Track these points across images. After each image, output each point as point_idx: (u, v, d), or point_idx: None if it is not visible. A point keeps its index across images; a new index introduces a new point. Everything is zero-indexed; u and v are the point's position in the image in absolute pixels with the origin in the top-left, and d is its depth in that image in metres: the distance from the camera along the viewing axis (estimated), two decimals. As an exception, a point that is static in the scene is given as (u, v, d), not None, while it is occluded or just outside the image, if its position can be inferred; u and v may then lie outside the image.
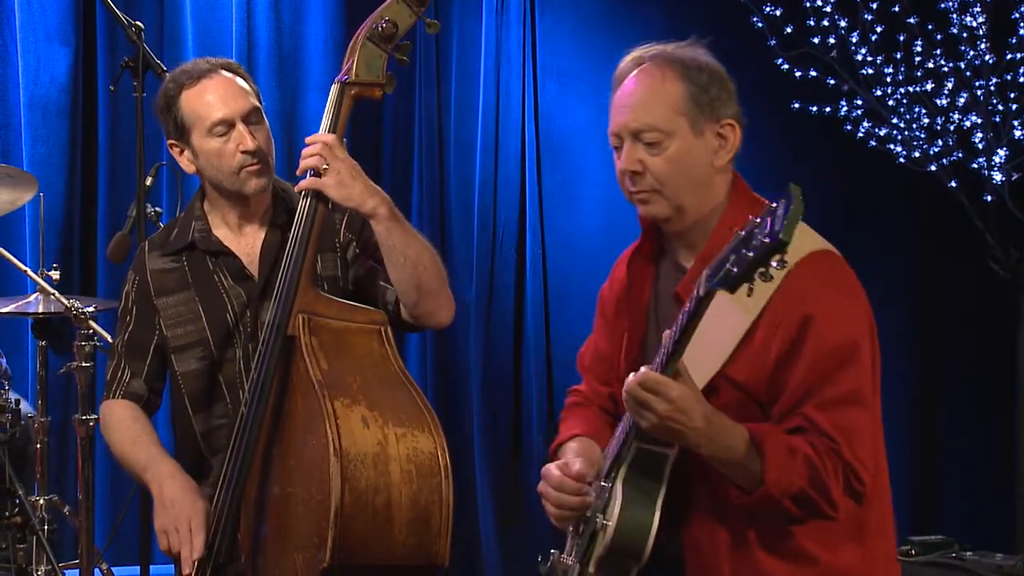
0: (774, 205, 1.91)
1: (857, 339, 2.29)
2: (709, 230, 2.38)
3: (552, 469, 2.47)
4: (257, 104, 2.98)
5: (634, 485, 2.32)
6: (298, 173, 2.83)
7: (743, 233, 1.97)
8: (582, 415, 2.66)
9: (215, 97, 2.93)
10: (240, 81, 2.98)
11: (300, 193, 2.83)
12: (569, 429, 2.63)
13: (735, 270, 1.96)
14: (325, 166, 2.77)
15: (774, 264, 1.91)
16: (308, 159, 2.79)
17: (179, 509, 2.81)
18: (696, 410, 2.19)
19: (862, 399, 2.29)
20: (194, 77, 2.95)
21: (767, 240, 1.89)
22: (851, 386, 2.27)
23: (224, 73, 2.97)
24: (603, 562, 2.36)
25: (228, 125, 2.92)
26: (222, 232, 3.02)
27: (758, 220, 1.94)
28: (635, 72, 2.40)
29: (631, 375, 2.21)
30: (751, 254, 1.93)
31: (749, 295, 1.98)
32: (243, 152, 2.91)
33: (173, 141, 3.00)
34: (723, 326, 2.23)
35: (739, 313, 2.23)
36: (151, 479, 2.88)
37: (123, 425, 2.99)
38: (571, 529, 2.53)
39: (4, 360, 4.60)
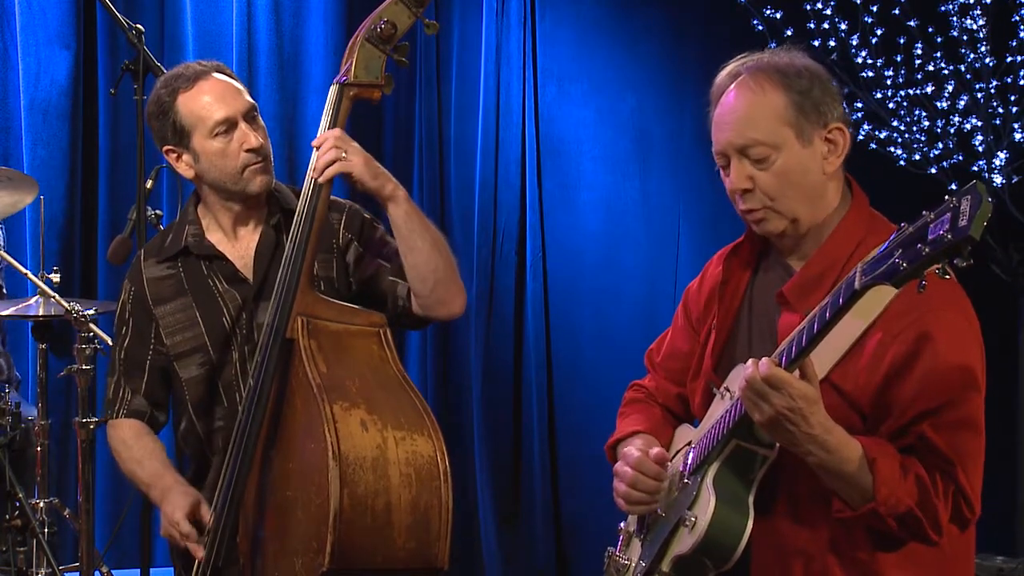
0: (954, 201, 1.82)
1: (975, 365, 2.22)
2: (823, 236, 2.31)
3: (632, 450, 2.42)
4: (254, 102, 2.98)
5: (725, 484, 2.24)
6: (318, 170, 2.78)
7: (910, 229, 1.89)
8: (645, 412, 2.62)
9: (213, 97, 2.92)
10: (234, 81, 2.99)
11: (307, 187, 2.80)
12: (631, 425, 2.58)
13: (904, 265, 1.87)
14: (344, 154, 2.77)
15: (955, 262, 1.82)
16: (325, 154, 2.77)
17: (167, 515, 2.85)
18: (814, 416, 2.11)
19: (977, 426, 2.22)
20: (189, 80, 2.94)
21: (950, 236, 1.80)
22: (969, 411, 2.20)
23: (217, 75, 2.96)
24: (683, 561, 2.28)
25: (229, 124, 2.91)
26: (216, 236, 3.01)
27: (931, 215, 1.86)
28: (732, 86, 2.31)
29: (751, 362, 2.12)
30: (928, 249, 1.84)
31: (920, 291, 1.89)
32: (247, 151, 2.91)
33: (170, 147, 2.97)
34: (834, 331, 2.10)
35: (852, 319, 2.12)
36: (156, 496, 2.93)
37: (126, 445, 3.01)
38: (633, 526, 2.49)
39: (15, 370, 4.61)
